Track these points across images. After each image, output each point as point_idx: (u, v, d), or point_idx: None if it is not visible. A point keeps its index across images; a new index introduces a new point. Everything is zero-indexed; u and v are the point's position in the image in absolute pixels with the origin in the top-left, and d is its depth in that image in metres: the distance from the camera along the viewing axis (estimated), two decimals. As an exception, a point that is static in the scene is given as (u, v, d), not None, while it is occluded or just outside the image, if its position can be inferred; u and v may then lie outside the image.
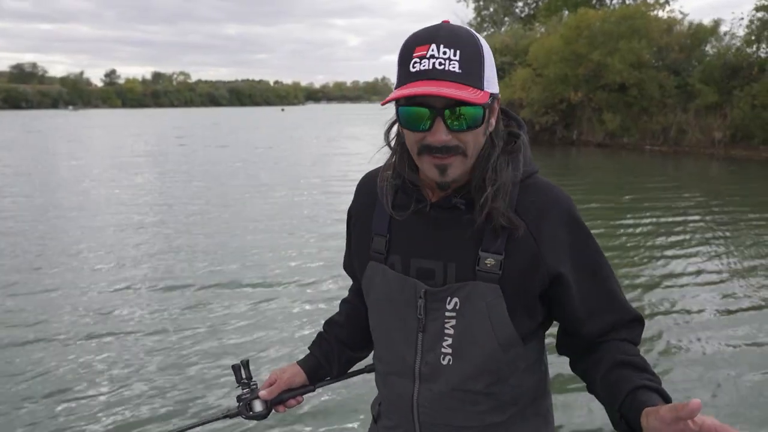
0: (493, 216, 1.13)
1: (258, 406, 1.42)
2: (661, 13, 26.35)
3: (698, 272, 6.89)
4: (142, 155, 22.95)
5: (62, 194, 13.02)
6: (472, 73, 1.07)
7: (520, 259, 1.14)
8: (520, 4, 41.79)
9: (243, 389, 1.44)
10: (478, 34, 1.12)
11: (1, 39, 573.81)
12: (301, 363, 1.46)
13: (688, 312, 5.61)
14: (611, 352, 1.16)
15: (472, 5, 41.67)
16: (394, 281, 1.23)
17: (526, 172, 1.19)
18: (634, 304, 5.54)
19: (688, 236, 8.79)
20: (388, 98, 1.10)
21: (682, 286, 6.41)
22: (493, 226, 1.14)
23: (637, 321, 1.23)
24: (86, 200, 12.31)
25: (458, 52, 1.06)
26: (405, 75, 1.09)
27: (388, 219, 1.25)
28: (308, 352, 1.50)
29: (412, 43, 1.09)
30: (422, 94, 1.05)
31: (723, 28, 24.63)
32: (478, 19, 41.90)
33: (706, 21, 25.83)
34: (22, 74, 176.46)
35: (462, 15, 45.18)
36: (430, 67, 1.05)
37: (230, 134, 37.14)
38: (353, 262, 1.40)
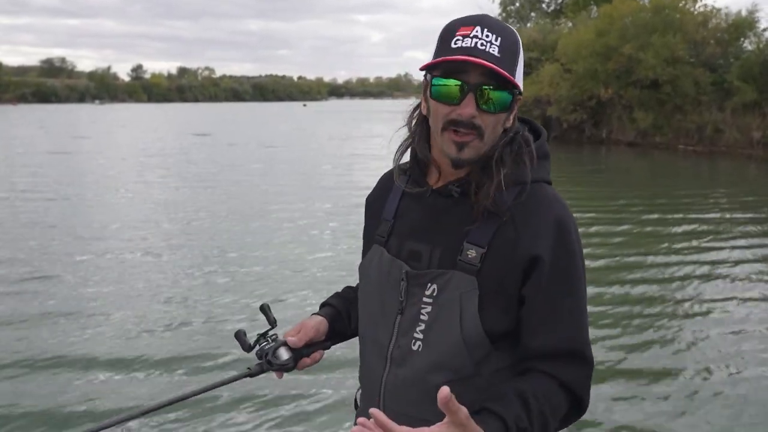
0: (480, 198, 1.14)
1: (284, 354, 1.31)
2: (693, 8, 25.11)
3: (738, 290, 6.30)
4: (159, 154, 22.75)
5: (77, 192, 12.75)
6: (508, 62, 1.12)
7: (501, 254, 1.14)
8: (547, -1, 40.70)
9: (261, 343, 1.33)
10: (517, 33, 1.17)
11: (31, 34, 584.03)
12: (321, 313, 1.42)
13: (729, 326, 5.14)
14: (525, 381, 1.12)
15: (497, 0, 40.59)
16: (385, 263, 1.26)
17: (532, 176, 1.18)
18: (668, 326, 5.12)
19: (728, 245, 8.10)
20: (429, 62, 1.14)
21: (719, 300, 5.84)
22: (477, 208, 1.15)
23: (576, 357, 1.15)
24: (98, 204, 12.01)
25: (500, 39, 1.11)
26: (444, 49, 1.13)
27: (395, 206, 1.30)
28: (326, 304, 1.46)
29: (457, 23, 1.15)
30: (466, 60, 1.09)
31: (762, 24, 23.50)
32: (504, 14, 40.91)
33: (743, 13, 24.36)
34: (52, 69, 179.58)
35: (487, 10, 44.16)
36: (472, 45, 1.11)
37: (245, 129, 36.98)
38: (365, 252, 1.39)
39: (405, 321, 1.21)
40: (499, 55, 1.10)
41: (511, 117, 1.20)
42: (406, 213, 1.28)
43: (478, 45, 1.10)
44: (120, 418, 1.24)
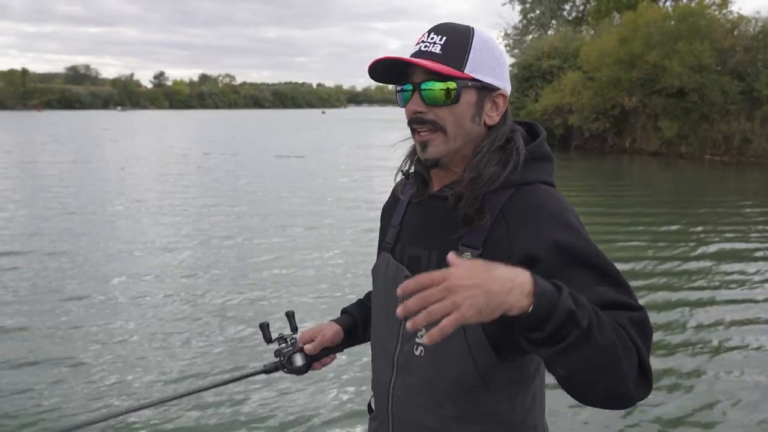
0: (461, 203, 1.15)
1: (299, 360, 1.42)
2: (719, 15, 24.44)
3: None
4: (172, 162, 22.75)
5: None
6: (451, 56, 1.16)
7: (495, 255, 1.09)
8: (568, 6, 40.30)
9: (280, 344, 1.43)
10: (480, 31, 1.20)
11: (55, 42, 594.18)
12: (339, 322, 1.51)
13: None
14: None
15: (518, 8, 40.25)
16: (391, 269, 1.28)
17: (527, 178, 1.17)
18: (693, 342, 4.84)
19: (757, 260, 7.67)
20: (370, 64, 1.20)
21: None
22: (460, 214, 1.15)
23: (620, 306, 1.03)
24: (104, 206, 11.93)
25: (444, 38, 1.16)
26: None
27: (402, 212, 1.32)
28: (346, 311, 1.55)
29: None
30: (383, 59, 1.18)
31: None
32: (524, 21, 40.57)
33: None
34: (77, 76, 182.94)
35: (507, 17, 43.92)
36: (416, 50, 1.19)
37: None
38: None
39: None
40: (440, 52, 1.15)
41: (494, 115, 1.20)
42: (410, 219, 1.30)
43: (421, 48, 1.17)
44: (138, 405, 1.40)
